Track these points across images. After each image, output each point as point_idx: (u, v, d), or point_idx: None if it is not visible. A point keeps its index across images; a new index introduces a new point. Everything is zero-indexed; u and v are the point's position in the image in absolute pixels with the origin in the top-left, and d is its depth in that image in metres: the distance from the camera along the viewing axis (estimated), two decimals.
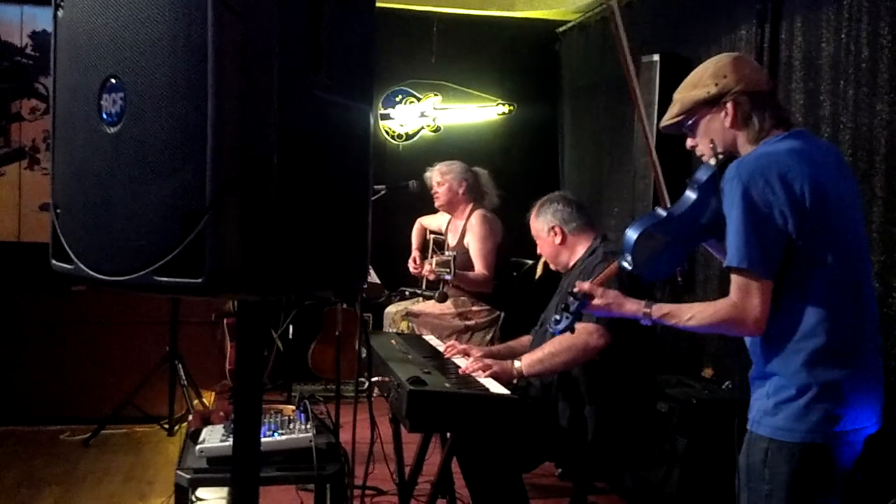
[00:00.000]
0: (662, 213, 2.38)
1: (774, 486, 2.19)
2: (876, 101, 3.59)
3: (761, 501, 2.23)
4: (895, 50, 3.50)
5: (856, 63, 3.72)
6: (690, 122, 2.40)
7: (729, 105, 2.30)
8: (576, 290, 2.56)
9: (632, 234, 2.34)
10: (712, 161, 2.34)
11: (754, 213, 2.13)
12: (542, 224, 3.55)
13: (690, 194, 2.35)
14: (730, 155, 2.33)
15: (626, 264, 2.36)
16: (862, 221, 2.37)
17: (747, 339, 2.34)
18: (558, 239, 3.52)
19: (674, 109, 2.42)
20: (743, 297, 2.17)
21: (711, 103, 2.33)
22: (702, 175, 2.34)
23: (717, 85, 2.31)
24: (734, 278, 2.19)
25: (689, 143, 2.45)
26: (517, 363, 3.28)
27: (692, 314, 2.30)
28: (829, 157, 2.31)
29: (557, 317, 2.61)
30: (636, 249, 2.33)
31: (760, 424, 2.24)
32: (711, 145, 2.35)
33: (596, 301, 2.52)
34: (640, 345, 3.31)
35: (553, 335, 2.70)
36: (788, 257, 2.16)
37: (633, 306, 2.45)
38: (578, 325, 3.31)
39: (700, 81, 2.36)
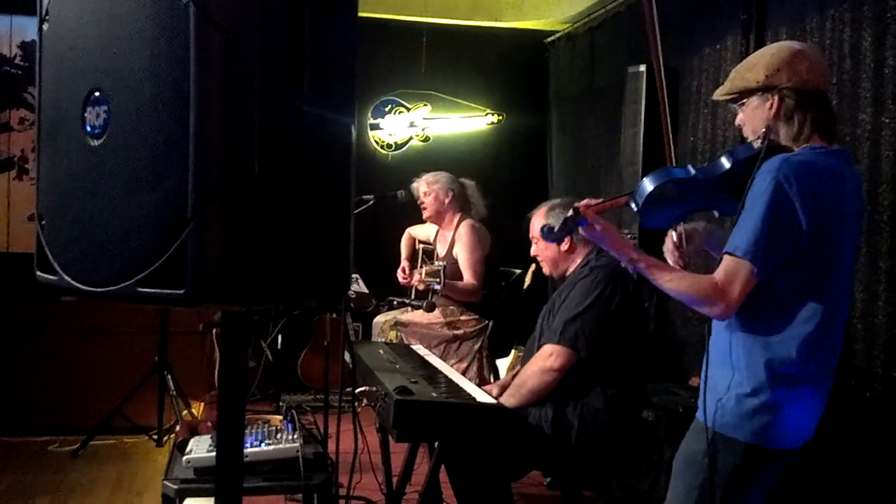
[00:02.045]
0: (692, 171, 2.37)
1: (716, 478, 2.24)
2: (859, 111, 3.62)
3: (694, 491, 2.27)
4: (878, 61, 3.53)
5: (839, 73, 3.75)
6: (740, 102, 2.38)
7: (775, 98, 2.27)
8: (580, 208, 2.51)
9: (653, 180, 2.35)
10: (757, 144, 2.31)
11: (778, 212, 2.13)
12: None
13: (725, 162, 2.34)
14: (776, 145, 2.30)
15: (633, 205, 2.38)
16: (855, 253, 2.41)
17: (718, 324, 2.35)
18: (566, 245, 3.47)
19: (726, 87, 2.40)
20: (727, 281, 2.17)
21: (760, 91, 2.31)
22: (742, 152, 2.33)
23: (767, 77, 2.28)
24: (727, 261, 2.19)
25: (738, 119, 2.42)
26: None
27: (673, 277, 2.31)
28: (854, 186, 2.32)
29: (553, 225, 2.57)
30: (652, 194, 2.34)
31: (710, 416, 2.28)
32: (763, 130, 2.31)
33: (594, 228, 2.48)
34: (628, 353, 3.33)
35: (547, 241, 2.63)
36: (797, 269, 2.18)
37: (625, 246, 2.44)
38: (536, 353, 3.33)
39: (755, 67, 2.32)
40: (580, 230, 2.53)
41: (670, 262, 2.51)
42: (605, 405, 3.23)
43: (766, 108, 2.29)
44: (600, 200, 2.57)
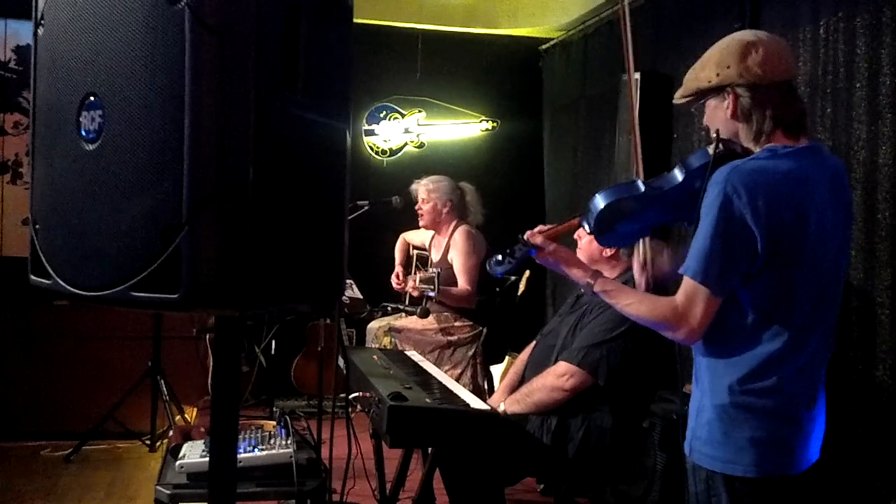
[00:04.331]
0: (641, 187, 2.27)
1: None
2: (853, 120, 3.63)
3: None
4: (871, 70, 3.54)
5: (833, 82, 3.76)
6: (700, 103, 2.24)
7: (730, 97, 2.11)
8: (526, 236, 2.46)
9: (601, 200, 2.27)
10: (710, 149, 2.17)
11: (728, 227, 1.99)
12: None
13: (677, 174, 2.23)
14: (730, 150, 2.16)
15: (585, 226, 2.32)
16: (845, 251, 2.22)
17: (698, 352, 2.23)
18: (609, 252, 3.39)
19: (682, 88, 2.26)
20: (687, 305, 2.06)
21: (713, 91, 2.15)
22: (695, 160, 2.21)
23: (718, 75, 2.12)
24: (686, 282, 2.08)
25: (704, 121, 2.27)
26: (501, 405, 3.32)
27: (632, 301, 2.23)
28: (829, 183, 2.12)
29: (500, 258, 2.51)
30: (602, 214, 2.26)
31: (700, 454, 2.14)
32: (714, 132, 2.18)
33: (546, 254, 2.42)
34: (646, 381, 3.32)
35: (493, 276, 2.60)
36: (757, 283, 2.04)
37: (578, 272, 2.37)
38: (551, 367, 3.31)
39: (707, 64, 2.16)
40: (533, 258, 2.46)
41: (637, 277, 2.45)
42: (613, 425, 3.23)
43: (723, 108, 2.14)
44: (550, 226, 2.51)
